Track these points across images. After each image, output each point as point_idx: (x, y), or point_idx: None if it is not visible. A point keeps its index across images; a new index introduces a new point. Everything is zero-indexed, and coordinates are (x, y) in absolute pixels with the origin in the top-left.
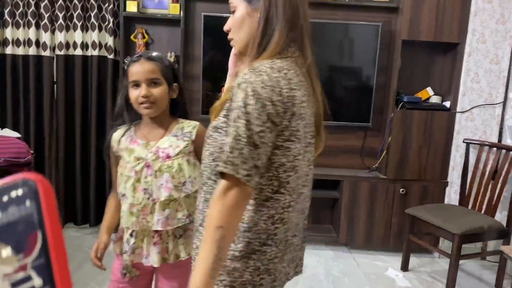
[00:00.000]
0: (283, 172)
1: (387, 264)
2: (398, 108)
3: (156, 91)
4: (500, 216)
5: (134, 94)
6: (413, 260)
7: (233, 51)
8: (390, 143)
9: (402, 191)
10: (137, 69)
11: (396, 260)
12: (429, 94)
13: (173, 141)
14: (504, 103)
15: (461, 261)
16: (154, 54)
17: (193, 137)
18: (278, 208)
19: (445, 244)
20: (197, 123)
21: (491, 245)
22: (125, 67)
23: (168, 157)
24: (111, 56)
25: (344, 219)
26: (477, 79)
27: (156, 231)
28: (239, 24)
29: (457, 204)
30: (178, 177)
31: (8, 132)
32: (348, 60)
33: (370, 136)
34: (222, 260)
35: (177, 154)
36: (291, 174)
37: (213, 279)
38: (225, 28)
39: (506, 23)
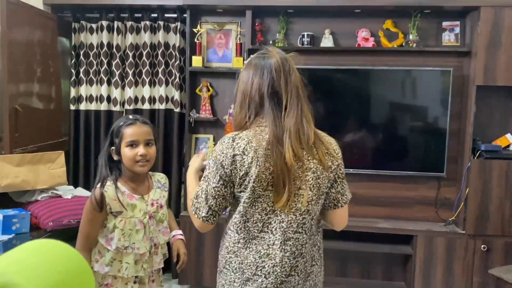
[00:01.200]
0: (236, 214)
1: None
2: (476, 157)
3: (151, 151)
4: None
5: (131, 153)
6: None
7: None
8: (467, 194)
9: (484, 247)
10: (136, 131)
11: None
12: (509, 141)
13: (159, 192)
14: None
15: None
16: (143, 118)
17: (167, 187)
18: (230, 242)
19: None
20: (163, 174)
21: None
22: (117, 128)
23: (161, 206)
24: (177, 110)
25: (418, 278)
26: None
27: (153, 270)
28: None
29: None
30: (167, 221)
31: (81, 191)
32: (419, 108)
33: (445, 186)
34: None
35: (165, 203)
36: (237, 217)
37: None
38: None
39: None
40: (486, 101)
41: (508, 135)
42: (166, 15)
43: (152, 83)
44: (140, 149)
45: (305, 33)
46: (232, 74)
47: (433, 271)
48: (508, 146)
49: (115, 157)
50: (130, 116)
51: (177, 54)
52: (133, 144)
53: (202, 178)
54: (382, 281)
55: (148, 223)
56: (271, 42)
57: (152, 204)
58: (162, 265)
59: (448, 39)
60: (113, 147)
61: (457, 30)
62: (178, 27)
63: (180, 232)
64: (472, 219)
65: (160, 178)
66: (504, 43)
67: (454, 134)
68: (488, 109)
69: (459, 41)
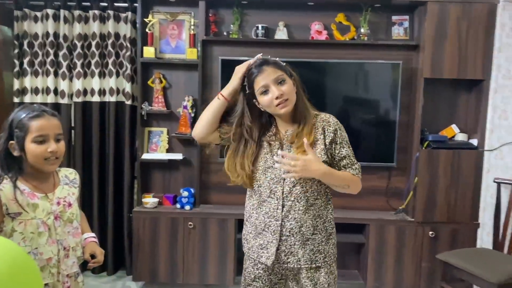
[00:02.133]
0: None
1: None
2: (423, 147)
3: (61, 146)
4: None
5: (39, 149)
6: None
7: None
8: (416, 183)
9: (432, 234)
10: (45, 124)
11: None
12: (454, 132)
13: (67, 189)
14: None
15: None
16: (51, 110)
17: (78, 183)
18: (252, 201)
19: None
20: (72, 169)
21: None
22: (19, 119)
23: (70, 205)
24: (128, 102)
25: (371, 265)
26: (505, 115)
27: (67, 275)
28: (292, 90)
29: (490, 247)
30: (77, 221)
31: None
32: (371, 100)
33: (395, 176)
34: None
35: (74, 201)
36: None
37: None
38: (278, 93)
39: None
40: (433, 93)
41: (453, 126)
42: (116, 4)
43: (102, 75)
44: (52, 145)
45: (260, 25)
46: (186, 66)
47: (385, 258)
48: (454, 136)
49: (16, 153)
50: (36, 106)
51: (128, 45)
52: (42, 140)
53: (348, 147)
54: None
55: (53, 224)
56: (225, 33)
57: (59, 203)
58: (75, 269)
59: (398, 33)
60: (12, 141)
61: (406, 24)
62: (129, 17)
63: (93, 234)
64: (420, 207)
65: (68, 173)
66: (450, 37)
67: (403, 126)
68: (435, 101)
69: (408, 35)
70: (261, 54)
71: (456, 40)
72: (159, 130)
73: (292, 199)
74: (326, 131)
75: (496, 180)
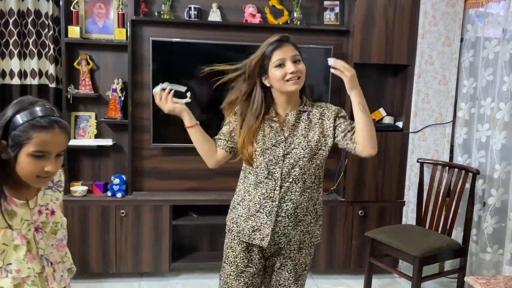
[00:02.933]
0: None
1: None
2: None
3: (60, 162)
4: (456, 233)
5: (35, 166)
6: (375, 282)
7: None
8: (346, 165)
9: (361, 213)
10: (51, 140)
11: (358, 283)
12: (382, 115)
13: (50, 194)
14: (454, 122)
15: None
16: (63, 120)
17: (63, 185)
18: (246, 183)
19: (404, 265)
20: (59, 170)
21: (448, 262)
22: (20, 124)
23: (53, 213)
24: (52, 85)
25: None
26: (427, 99)
27: None
28: (305, 71)
29: (414, 223)
30: (62, 232)
31: None
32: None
33: (327, 158)
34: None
35: (58, 207)
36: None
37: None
38: (294, 69)
39: (452, 45)
40: (363, 78)
41: (381, 109)
42: None
43: (21, 56)
44: (50, 164)
45: (192, 6)
46: (114, 47)
47: None
48: (382, 119)
49: (3, 156)
50: (45, 109)
51: (51, 24)
52: (41, 155)
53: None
54: None
55: (34, 237)
56: (156, 13)
57: (40, 212)
58: (64, 284)
59: (329, 18)
60: (3, 141)
61: (337, 9)
62: None
63: None
64: (350, 188)
65: None
66: (377, 23)
67: None
68: (364, 85)
69: (338, 20)
70: None
71: (384, 26)
72: (87, 114)
73: (290, 180)
74: (326, 113)
75: (419, 160)
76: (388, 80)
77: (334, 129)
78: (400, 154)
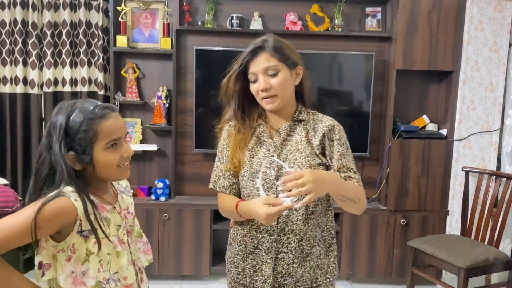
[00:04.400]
0: (241, 188)
1: None
2: (395, 137)
3: (130, 147)
4: (503, 245)
5: (114, 156)
6: None
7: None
8: (388, 173)
9: (403, 222)
10: (115, 125)
11: None
12: (425, 122)
13: (125, 198)
14: (501, 129)
15: None
16: (110, 104)
17: (131, 190)
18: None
19: (448, 276)
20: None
21: (496, 275)
22: (79, 123)
23: (133, 216)
24: (101, 92)
25: (345, 252)
26: (473, 106)
27: None
28: (285, 84)
29: (459, 234)
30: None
31: None
32: (345, 92)
33: (368, 166)
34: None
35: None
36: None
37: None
38: (263, 87)
39: (499, 50)
40: (405, 84)
41: (424, 116)
42: None
43: (73, 64)
44: (127, 148)
45: (234, 15)
46: (160, 56)
47: (358, 245)
48: (425, 126)
49: (78, 167)
50: (90, 102)
51: (100, 34)
52: (114, 143)
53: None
54: None
55: (128, 241)
56: (200, 23)
57: (125, 216)
58: None
59: (371, 24)
60: (71, 152)
61: (379, 16)
62: (101, 5)
63: None
64: (392, 196)
65: (120, 181)
66: (420, 29)
67: (376, 116)
68: (407, 92)
69: (380, 27)
70: None
71: (427, 32)
72: (133, 121)
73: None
74: (318, 129)
75: (464, 169)
76: (431, 87)
77: (323, 149)
78: (444, 162)
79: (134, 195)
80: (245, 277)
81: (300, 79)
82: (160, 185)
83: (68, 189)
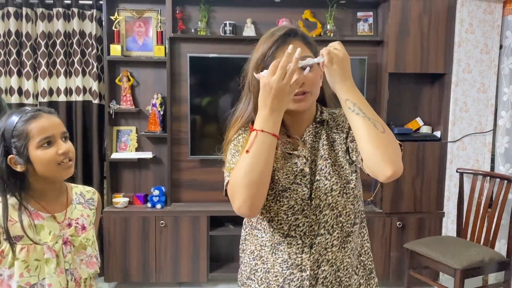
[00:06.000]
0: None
1: None
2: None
3: (71, 146)
4: (499, 245)
5: (48, 154)
6: None
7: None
8: None
9: (399, 224)
10: (47, 124)
11: None
12: (419, 124)
13: (80, 209)
14: (494, 130)
15: None
16: (45, 107)
17: (96, 204)
18: (257, 244)
19: (445, 277)
20: (91, 188)
21: (493, 275)
22: (12, 128)
23: (84, 228)
24: (96, 101)
25: None
26: (466, 108)
27: None
28: (318, 81)
29: (455, 235)
30: (95, 250)
31: None
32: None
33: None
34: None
35: (89, 224)
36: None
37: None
38: (299, 80)
39: (490, 52)
40: (398, 87)
41: (418, 119)
42: (80, 1)
43: (67, 74)
44: (61, 146)
45: (227, 22)
46: (154, 64)
47: None
48: (419, 129)
49: (19, 168)
50: (27, 108)
51: (94, 43)
52: (47, 142)
53: None
54: None
55: (62, 249)
56: (193, 30)
57: (70, 225)
58: None
59: (363, 29)
60: (11, 155)
61: (371, 20)
62: (94, 15)
63: None
64: (388, 199)
65: (85, 191)
66: (412, 32)
67: None
68: (400, 95)
69: (372, 31)
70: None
71: (419, 35)
72: (128, 129)
73: (322, 232)
74: (340, 122)
75: (458, 170)
76: (424, 89)
77: (348, 145)
78: (439, 164)
79: (131, 203)
80: None
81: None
82: (156, 192)
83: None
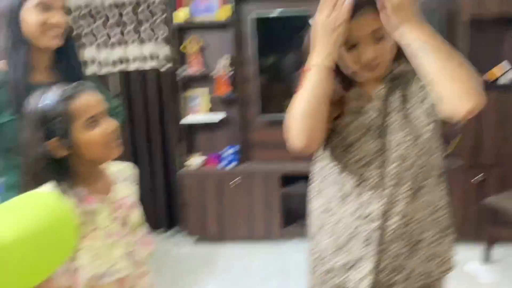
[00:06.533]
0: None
1: (467, 258)
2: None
3: (114, 124)
4: None
5: (97, 133)
6: (496, 251)
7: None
8: (462, 127)
9: (480, 177)
10: (89, 101)
11: (477, 252)
12: (495, 75)
13: (124, 187)
14: None
15: None
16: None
17: (136, 178)
18: (326, 198)
19: None
20: (126, 163)
21: None
22: (53, 110)
23: (133, 206)
24: (167, 66)
25: None
26: None
27: None
28: (390, 49)
29: None
30: (145, 227)
31: None
32: None
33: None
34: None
35: (137, 202)
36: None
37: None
38: (373, 55)
39: None
40: (477, 35)
41: (503, 63)
42: None
43: (139, 42)
44: (107, 124)
45: None
46: (218, 26)
47: None
48: (497, 78)
49: (61, 153)
50: (59, 88)
51: (163, 7)
52: (93, 120)
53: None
54: None
55: (120, 233)
56: None
57: (120, 206)
58: None
59: None
60: (51, 139)
61: None
62: None
63: None
64: (467, 151)
65: (122, 167)
66: None
67: None
68: (480, 43)
69: None
70: None
71: None
72: (199, 92)
73: (392, 183)
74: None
75: None
76: (508, 35)
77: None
78: None
79: (206, 163)
80: (335, 277)
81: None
82: (230, 152)
83: (43, 189)
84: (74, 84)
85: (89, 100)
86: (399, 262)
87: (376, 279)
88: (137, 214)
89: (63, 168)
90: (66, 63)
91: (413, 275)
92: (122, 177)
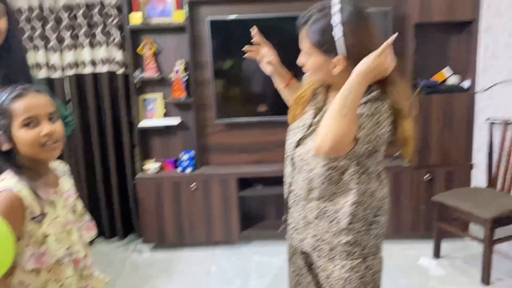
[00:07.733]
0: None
1: (419, 253)
2: (416, 94)
3: (58, 127)
4: None
5: (30, 134)
6: (445, 246)
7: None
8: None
9: (428, 177)
10: (31, 103)
11: (427, 247)
12: (444, 76)
13: (67, 180)
14: None
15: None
16: (33, 87)
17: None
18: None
19: (476, 227)
20: (59, 160)
21: None
22: (1, 103)
23: (77, 196)
24: (120, 71)
25: None
26: (496, 55)
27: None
28: (315, 70)
29: (484, 186)
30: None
31: None
32: None
33: None
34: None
35: (76, 193)
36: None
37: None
38: (298, 62)
39: None
40: (424, 38)
41: (446, 69)
42: None
43: (92, 45)
44: (45, 127)
45: None
46: (174, 30)
47: None
48: (445, 80)
49: (4, 147)
50: (14, 86)
51: (115, 12)
52: (30, 122)
53: None
54: None
55: (72, 220)
56: None
57: (68, 197)
58: (92, 269)
59: None
60: None
61: None
62: None
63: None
64: (415, 152)
65: (57, 164)
66: None
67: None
68: (427, 46)
69: None
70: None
71: None
72: (154, 96)
73: (299, 159)
74: None
75: (488, 120)
76: (451, 39)
77: None
78: (467, 115)
79: (162, 168)
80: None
81: (339, 70)
82: (186, 157)
83: (8, 182)
84: (24, 86)
85: (30, 101)
86: (297, 225)
87: (288, 232)
88: (80, 204)
89: (10, 160)
90: (7, 63)
91: (305, 242)
92: (61, 172)
